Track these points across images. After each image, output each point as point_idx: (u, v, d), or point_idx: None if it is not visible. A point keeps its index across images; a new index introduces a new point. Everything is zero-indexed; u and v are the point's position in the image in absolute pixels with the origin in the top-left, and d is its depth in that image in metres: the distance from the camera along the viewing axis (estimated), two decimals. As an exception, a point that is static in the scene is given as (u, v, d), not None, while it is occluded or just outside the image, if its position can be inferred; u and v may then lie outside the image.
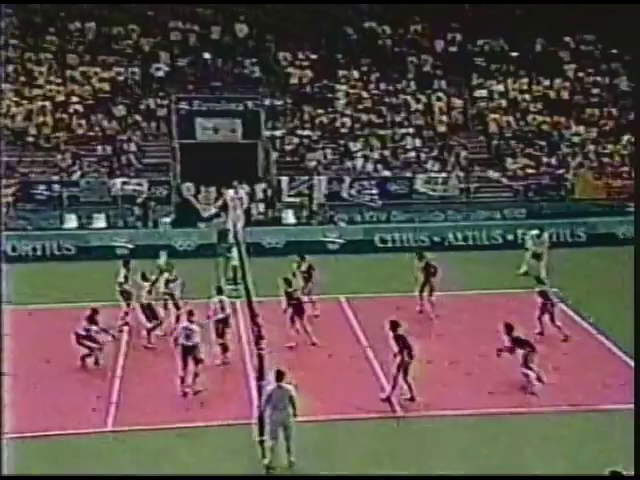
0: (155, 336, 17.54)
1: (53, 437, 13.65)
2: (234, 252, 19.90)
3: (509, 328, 15.68)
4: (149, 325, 17.60)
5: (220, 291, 17.21)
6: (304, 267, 19.00)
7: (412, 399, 14.90)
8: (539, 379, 15.45)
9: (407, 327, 15.39)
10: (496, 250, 24.96)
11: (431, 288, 19.17)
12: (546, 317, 17.91)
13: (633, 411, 13.24)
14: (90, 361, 16.39)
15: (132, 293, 18.31)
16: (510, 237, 25.51)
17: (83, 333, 16.24)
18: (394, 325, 15.04)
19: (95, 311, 16.55)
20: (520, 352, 15.53)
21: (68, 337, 16.41)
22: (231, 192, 25.84)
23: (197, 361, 15.18)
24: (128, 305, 18.41)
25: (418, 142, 29.41)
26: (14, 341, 14.15)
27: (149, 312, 17.59)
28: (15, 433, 11.98)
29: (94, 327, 16.31)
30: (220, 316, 16.62)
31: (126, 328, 18.20)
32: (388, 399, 14.91)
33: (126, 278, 18.49)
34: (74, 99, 29.17)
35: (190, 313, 15.72)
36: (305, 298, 18.00)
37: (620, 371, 16.29)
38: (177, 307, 18.17)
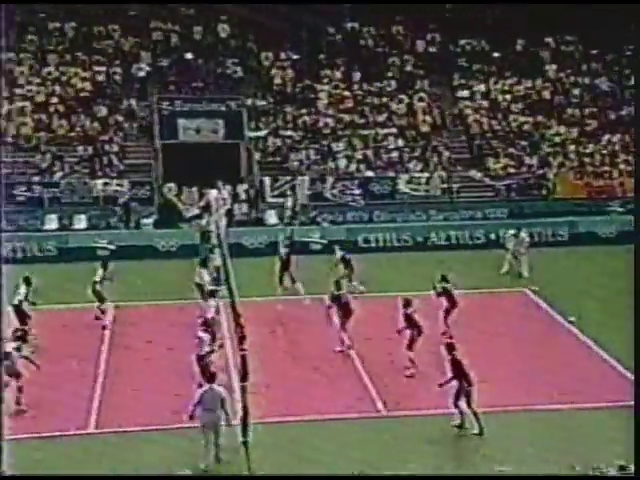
0: None
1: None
2: (217, 253, 19.86)
3: (407, 302, 15.99)
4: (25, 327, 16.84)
5: (213, 294, 17.48)
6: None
7: (460, 426, 14.02)
8: (411, 361, 15.80)
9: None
10: (479, 250, 25.07)
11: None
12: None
13: (625, 410, 13.36)
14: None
15: (103, 294, 18.66)
16: (492, 236, 25.59)
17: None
18: (450, 348, 14.23)
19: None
20: (408, 332, 15.85)
21: (52, 338, 16.42)
22: (214, 192, 25.68)
23: (207, 374, 13.70)
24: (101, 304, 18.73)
25: (400, 142, 29.43)
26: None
27: (21, 315, 17.20)
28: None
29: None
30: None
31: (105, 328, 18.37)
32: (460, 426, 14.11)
33: (103, 278, 18.70)
34: (54, 99, 28.98)
35: (203, 323, 15.65)
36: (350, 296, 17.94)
37: (600, 370, 16.39)
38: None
